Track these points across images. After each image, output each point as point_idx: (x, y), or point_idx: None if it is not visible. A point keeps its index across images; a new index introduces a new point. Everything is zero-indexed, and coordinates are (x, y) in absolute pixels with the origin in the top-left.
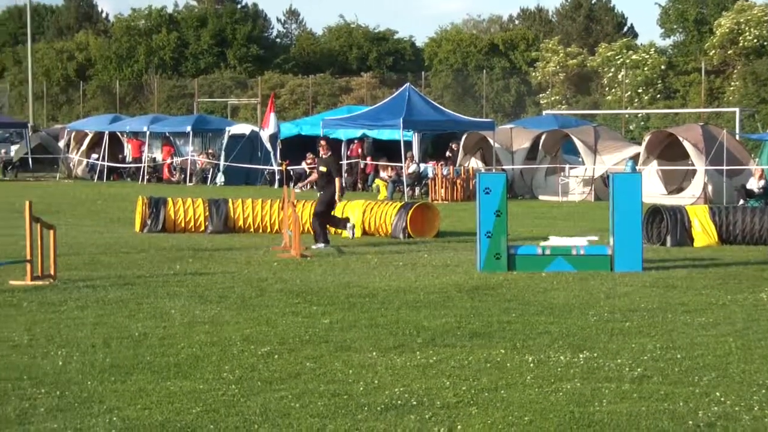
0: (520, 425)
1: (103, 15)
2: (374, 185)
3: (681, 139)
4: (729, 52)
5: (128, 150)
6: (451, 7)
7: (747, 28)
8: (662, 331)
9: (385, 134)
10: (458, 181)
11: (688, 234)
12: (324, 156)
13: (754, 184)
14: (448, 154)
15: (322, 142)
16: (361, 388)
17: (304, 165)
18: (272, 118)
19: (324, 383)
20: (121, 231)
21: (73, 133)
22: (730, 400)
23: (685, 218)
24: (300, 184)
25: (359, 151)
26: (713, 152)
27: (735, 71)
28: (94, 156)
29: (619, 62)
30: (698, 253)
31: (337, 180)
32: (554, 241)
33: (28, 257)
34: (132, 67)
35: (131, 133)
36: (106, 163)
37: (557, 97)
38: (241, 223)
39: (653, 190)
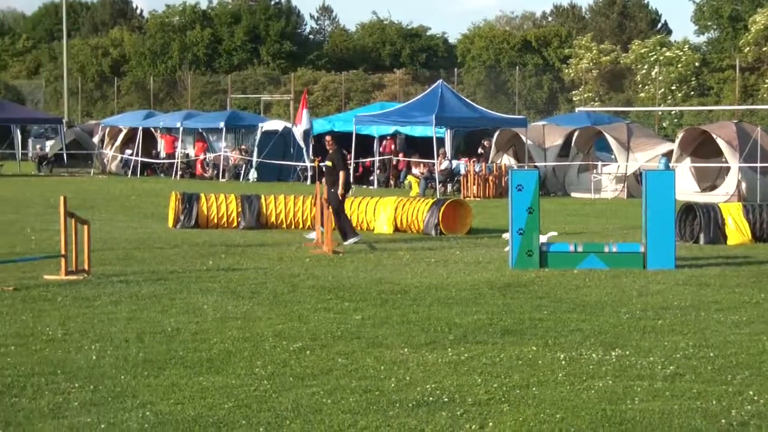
0: (551, 423)
1: (138, 11)
2: (406, 182)
3: (714, 136)
4: (764, 49)
5: (162, 146)
6: (484, 3)
7: None
8: (695, 329)
9: (417, 131)
10: (490, 178)
11: (722, 232)
12: (330, 151)
13: None
14: (480, 151)
15: (328, 138)
16: (393, 385)
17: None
18: (305, 114)
19: (355, 379)
20: (154, 226)
21: (108, 129)
22: (764, 398)
23: (719, 216)
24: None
25: (392, 147)
26: (747, 149)
27: None
28: (128, 152)
29: (652, 59)
30: (731, 251)
31: (341, 173)
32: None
33: (63, 252)
34: (166, 63)
35: (165, 128)
36: (139, 159)
37: (590, 94)
38: (273, 219)
39: (686, 188)
